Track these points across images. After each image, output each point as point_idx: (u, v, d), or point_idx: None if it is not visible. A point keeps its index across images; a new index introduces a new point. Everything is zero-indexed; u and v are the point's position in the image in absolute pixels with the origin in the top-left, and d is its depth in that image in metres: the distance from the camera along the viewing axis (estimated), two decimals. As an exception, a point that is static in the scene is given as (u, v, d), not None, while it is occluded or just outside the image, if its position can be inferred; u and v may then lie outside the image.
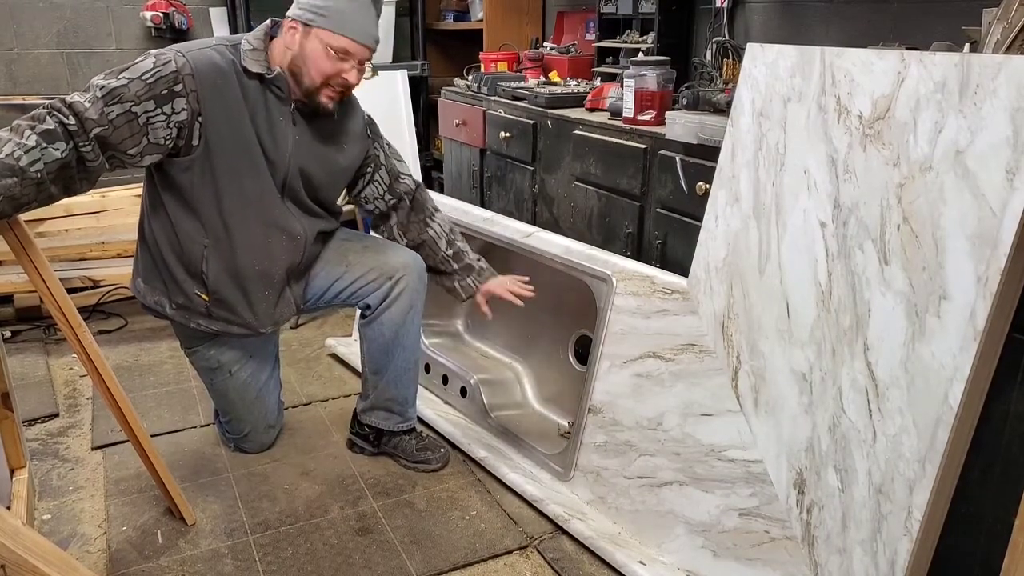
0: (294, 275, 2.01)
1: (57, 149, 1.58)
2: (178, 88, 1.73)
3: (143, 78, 1.70)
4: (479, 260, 2.15)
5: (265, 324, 1.99)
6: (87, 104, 1.63)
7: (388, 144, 2.15)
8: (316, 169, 1.95)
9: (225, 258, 1.89)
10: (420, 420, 2.27)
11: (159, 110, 1.72)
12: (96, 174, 1.69)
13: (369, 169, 2.09)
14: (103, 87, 1.67)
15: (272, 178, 1.89)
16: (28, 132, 1.55)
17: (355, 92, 1.97)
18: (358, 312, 2.31)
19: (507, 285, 2.11)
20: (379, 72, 1.98)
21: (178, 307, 1.95)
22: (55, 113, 1.60)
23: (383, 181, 2.10)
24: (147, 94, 1.70)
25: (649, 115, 2.54)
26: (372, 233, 2.24)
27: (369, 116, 2.11)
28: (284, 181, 1.91)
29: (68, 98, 1.64)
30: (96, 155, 1.65)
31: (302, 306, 2.08)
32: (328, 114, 1.92)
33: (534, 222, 3.05)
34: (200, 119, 1.77)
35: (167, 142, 1.76)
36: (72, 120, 1.60)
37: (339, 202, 2.14)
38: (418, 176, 2.32)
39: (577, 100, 3.07)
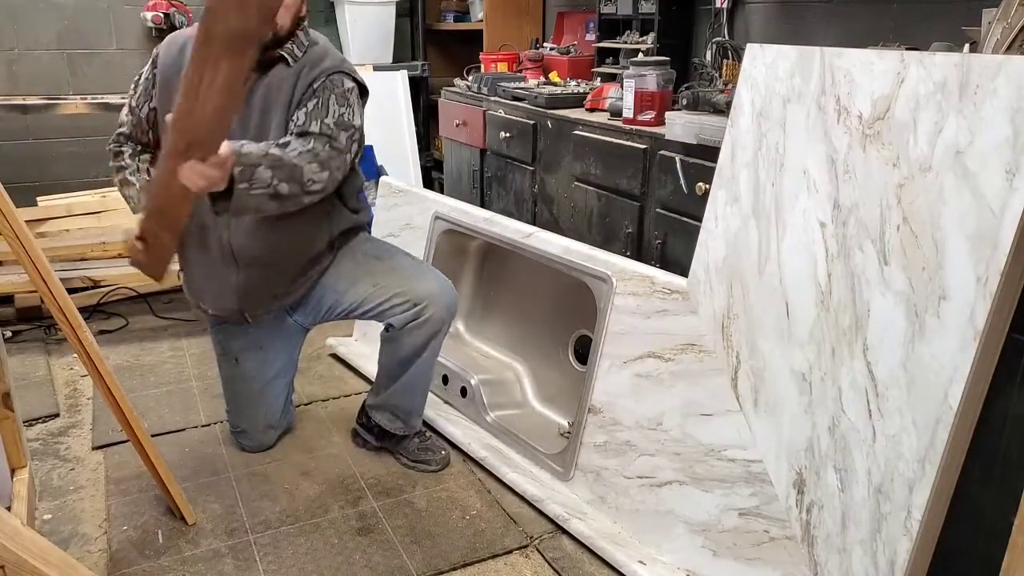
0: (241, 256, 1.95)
1: None
2: (146, 71, 1.97)
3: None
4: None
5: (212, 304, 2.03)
6: None
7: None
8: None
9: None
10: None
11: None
12: None
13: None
14: None
15: None
16: None
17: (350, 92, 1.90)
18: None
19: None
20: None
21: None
22: None
23: None
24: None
25: (649, 115, 2.54)
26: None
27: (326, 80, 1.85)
28: None
29: None
30: None
31: (313, 316, 2.12)
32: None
33: (534, 222, 3.05)
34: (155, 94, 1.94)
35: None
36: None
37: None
38: (413, 178, 2.25)
39: (577, 100, 3.08)
